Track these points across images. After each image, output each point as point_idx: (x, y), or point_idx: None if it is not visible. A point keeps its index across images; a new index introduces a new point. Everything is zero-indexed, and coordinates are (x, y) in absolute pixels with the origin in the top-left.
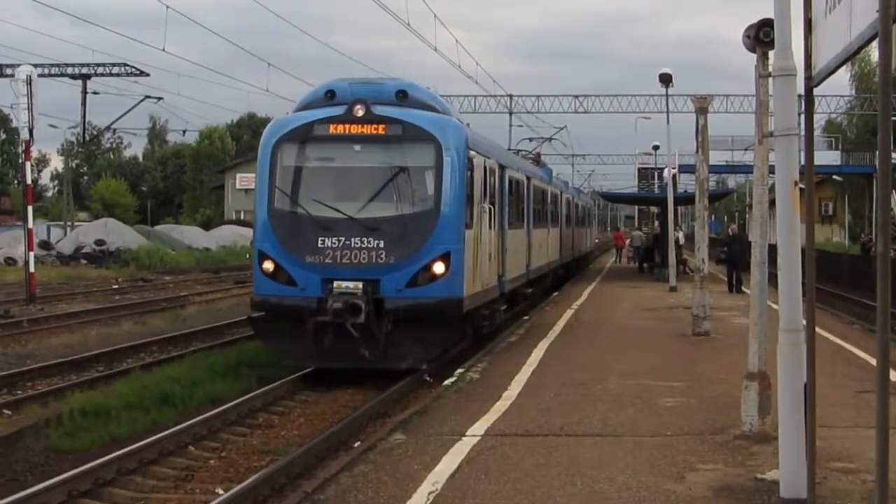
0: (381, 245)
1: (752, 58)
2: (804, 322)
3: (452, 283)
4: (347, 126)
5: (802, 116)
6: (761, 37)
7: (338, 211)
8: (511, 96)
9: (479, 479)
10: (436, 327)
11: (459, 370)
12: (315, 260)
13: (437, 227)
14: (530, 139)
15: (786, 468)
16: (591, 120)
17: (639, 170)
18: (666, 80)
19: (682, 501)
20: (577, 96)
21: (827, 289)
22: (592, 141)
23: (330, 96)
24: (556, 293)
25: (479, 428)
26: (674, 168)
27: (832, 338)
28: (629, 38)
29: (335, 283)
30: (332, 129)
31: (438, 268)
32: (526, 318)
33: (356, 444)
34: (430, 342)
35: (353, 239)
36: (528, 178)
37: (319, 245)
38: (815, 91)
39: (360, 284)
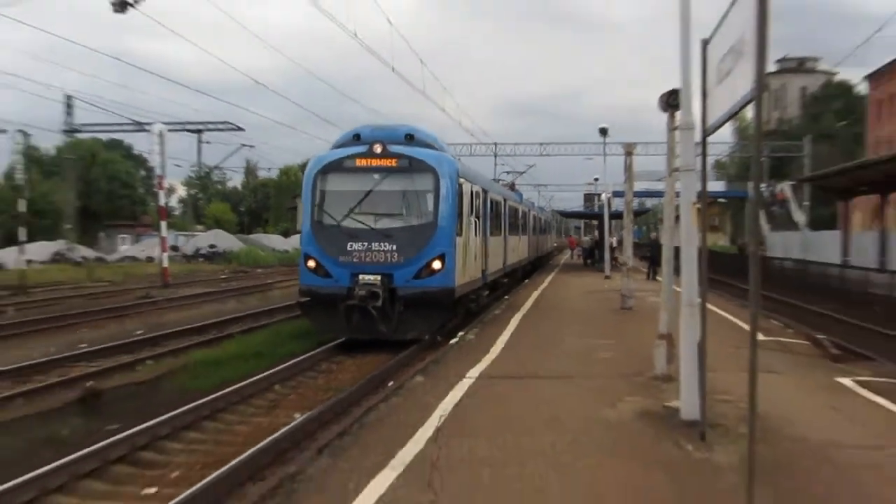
0: (394, 248)
1: (664, 116)
2: (699, 299)
3: (446, 275)
4: (369, 160)
5: (699, 158)
6: (670, 101)
7: (362, 223)
8: (496, 144)
9: (474, 403)
10: (434, 308)
11: (460, 333)
12: (345, 259)
13: (435, 235)
14: (508, 172)
15: (685, 399)
16: (552, 160)
17: (584, 195)
18: (603, 132)
19: (614, 422)
20: (541, 144)
21: (714, 277)
22: (552, 174)
23: (356, 138)
24: (526, 280)
25: (474, 372)
26: (608, 193)
27: (718, 311)
28: (579, 104)
29: (360, 277)
30: (357, 162)
31: (436, 265)
32: (506, 297)
33: (390, 384)
34: (430, 319)
35: (373, 244)
36: (505, 200)
37: (349, 248)
38: (708, 139)
39: (379, 277)
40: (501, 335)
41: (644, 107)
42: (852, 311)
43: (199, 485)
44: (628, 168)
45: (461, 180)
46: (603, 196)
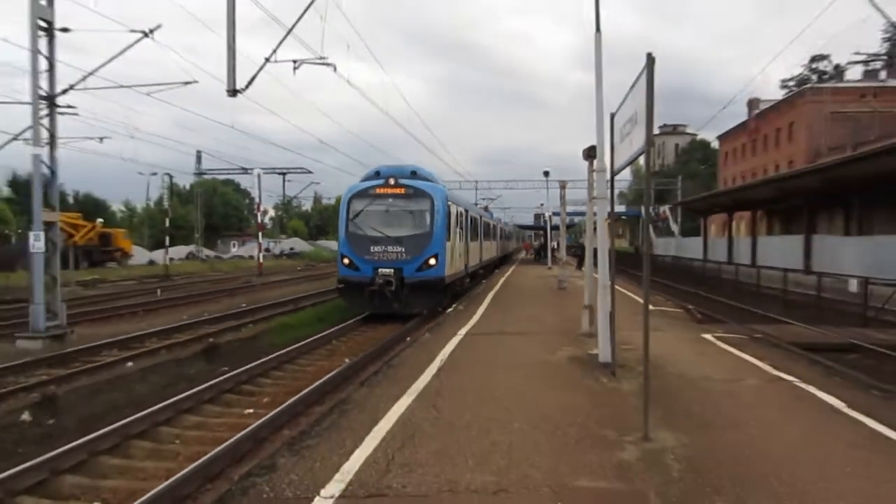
0: (403, 250)
1: (586, 163)
2: (609, 282)
3: (439, 269)
4: (385, 189)
5: (608, 190)
6: (590, 153)
7: (380, 232)
8: (476, 181)
9: (464, 351)
10: (431, 291)
11: (454, 305)
12: (369, 258)
13: (431, 241)
14: (484, 199)
15: (601, 348)
16: (514, 192)
17: (535, 215)
18: (546, 174)
19: (554, 363)
20: (506, 181)
21: (619, 268)
22: (514, 201)
23: (377, 174)
24: (496, 270)
25: (462, 331)
26: (550, 213)
27: (623, 290)
28: (530, 154)
29: (379, 270)
30: (377, 190)
31: (432, 261)
32: (484, 281)
33: (407, 339)
34: (428, 299)
35: (388, 247)
36: (480, 217)
37: (371, 250)
38: (615, 178)
39: (392, 270)
40: (481, 306)
41: (573, 156)
42: (710, 290)
43: (281, 406)
44: (562, 197)
45: (449, 203)
46: (546, 215)
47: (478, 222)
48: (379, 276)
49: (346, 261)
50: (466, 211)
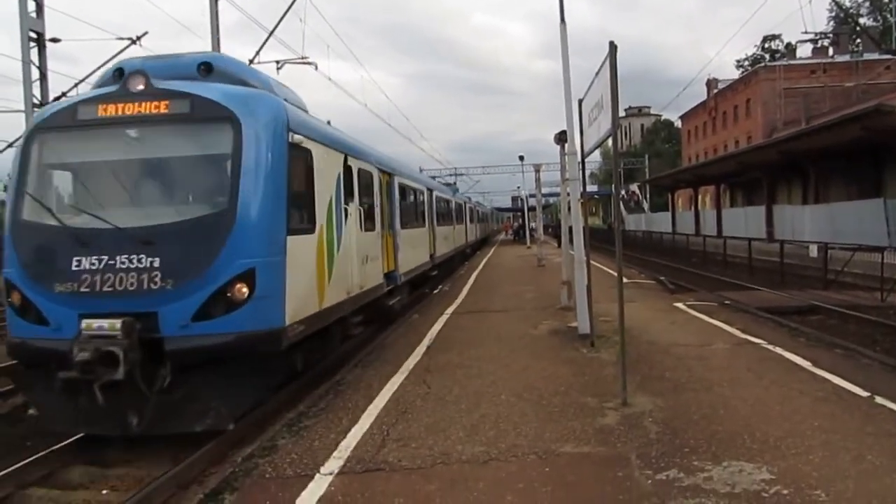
0: (157, 264)
1: (557, 147)
2: (585, 258)
3: (264, 309)
4: (120, 106)
5: (580, 171)
6: (561, 137)
7: (99, 219)
8: (456, 168)
9: (450, 330)
10: (242, 373)
11: (440, 286)
12: (68, 288)
13: (234, 235)
14: (468, 191)
15: (580, 321)
16: (491, 177)
17: (512, 197)
18: (521, 158)
19: (536, 335)
20: (484, 167)
21: (594, 244)
22: (494, 185)
23: (118, 75)
24: (478, 252)
25: (449, 310)
26: (527, 195)
27: (598, 265)
28: (509, 141)
29: (84, 322)
30: (100, 110)
31: (241, 292)
32: (467, 262)
33: (398, 321)
34: (235, 393)
35: (118, 257)
36: (465, 203)
37: (74, 268)
38: (586, 160)
39: (121, 322)
40: (465, 286)
41: (545, 140)
42: (679, 261)
43: (284, 390)
44: (537, 180)
45: (297, 137)
46: (522, 196)
47: (454, 206)
48: (81, 343)
49: (15, 297)
50: (430, 190)
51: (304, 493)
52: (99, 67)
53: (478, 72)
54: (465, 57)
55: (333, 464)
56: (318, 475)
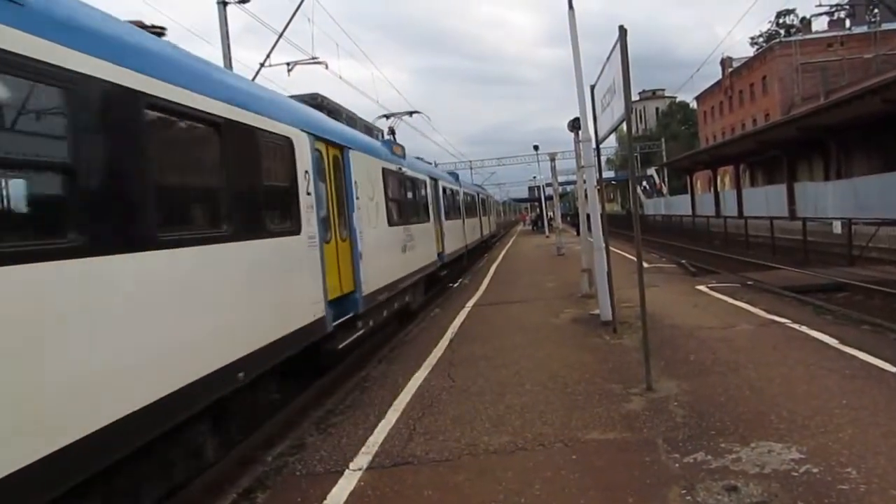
0: None
1: (572, 134)
2: (604, 245)
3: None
4: None
5: (595, 158)
6: (574, 124)
7: None
8: (471, 161)
9: (472, 322)
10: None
11: (460, 279)
12: None
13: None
14: (481, 183)
15: (601, 308)
16: (506, 168)
17: (528, 188)
18: (536, 147)
19: (558, 324)
20: (499, 158)
21: (612, 230)
22: (509, 177)
23: None
24: (496, 241)
25: (470, 303)
26: (544, 184)
27: (617, 251)
28: (522, 131)
29: None
30: None
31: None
32: (487, 254)
33: (421, 315)
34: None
35: None
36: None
37: None
38: (601, 146)
39: None
40: (485, 278)
41: (558, 129)
42: (701, 244)
43: (313, 386)
44: (553, 168)
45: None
46: (540, 187)
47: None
48: None
49: None
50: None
51: (334, 489)
52: None
53: (484, 62)
54: (470, 49)
55: (362, 459)
56: (347, 471)
